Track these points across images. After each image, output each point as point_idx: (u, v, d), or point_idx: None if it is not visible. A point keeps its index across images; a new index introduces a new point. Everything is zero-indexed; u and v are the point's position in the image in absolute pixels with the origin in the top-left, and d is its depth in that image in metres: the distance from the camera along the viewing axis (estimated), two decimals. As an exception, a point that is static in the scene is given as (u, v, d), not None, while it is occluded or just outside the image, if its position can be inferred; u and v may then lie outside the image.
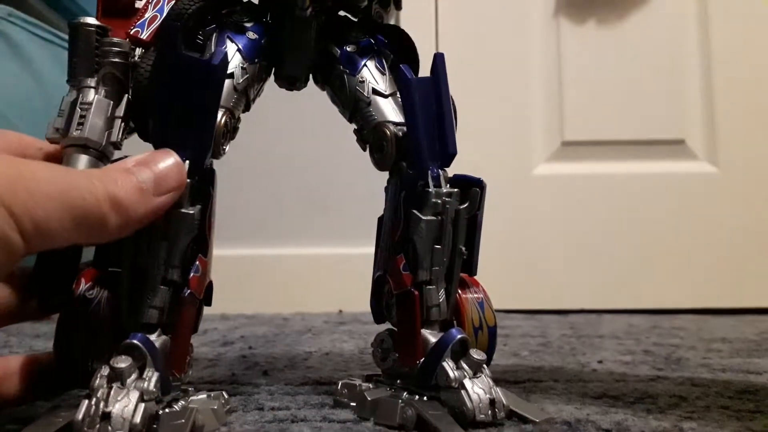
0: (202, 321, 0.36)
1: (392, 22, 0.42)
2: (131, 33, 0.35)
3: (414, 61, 0.40)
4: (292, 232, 1.08)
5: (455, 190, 0.36)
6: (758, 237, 1.07)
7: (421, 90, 0.36)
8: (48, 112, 0.34)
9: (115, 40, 0.34)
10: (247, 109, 0.38)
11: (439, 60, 0.36)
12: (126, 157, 0.32)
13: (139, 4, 0.37)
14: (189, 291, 0.32)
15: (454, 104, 0.38)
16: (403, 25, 0.99)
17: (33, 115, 0.81)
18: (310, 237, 1.08)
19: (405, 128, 0.36)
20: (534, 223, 1.08)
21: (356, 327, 0.78)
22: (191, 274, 0.32)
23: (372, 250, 0.40)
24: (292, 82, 0.41)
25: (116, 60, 0.34)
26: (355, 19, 0.41)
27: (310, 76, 0.41)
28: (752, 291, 1.05)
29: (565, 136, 1.11)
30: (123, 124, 0.34)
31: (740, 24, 1.11)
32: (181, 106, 0.32)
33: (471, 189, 0.37)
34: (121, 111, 0.34)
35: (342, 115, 0.41)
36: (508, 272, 1.03)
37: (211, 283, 0.35)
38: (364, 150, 0.39)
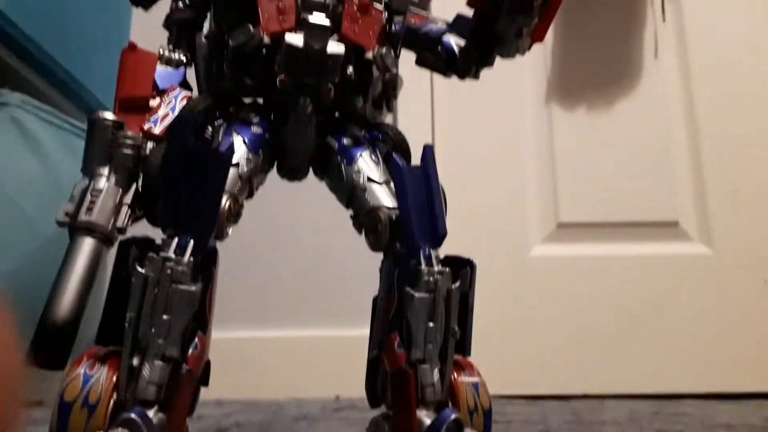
0: (197, 406, 0.36)
1: (389, 120, 0.45)
2: (145, 128, 0.38)
3: (406, 155, 0.43)
4: (289, 314, 1.08)
5: (446, 269, 0.37)
6: (756, 319, 1.06)
7: (412, 176, 0.38)
8: (56, 196, 0.36)
9: (129, 133, 0.37)
10: (250, 195, 0.40)
11: (428, 151, 0.39)
12: (132, 238, 0.34)
13: (153, 103, 0.40)
14: (187, 368, 0.33)
15: (443, 191, 0.40)
16: (401, 114, 1.04)
17: (41, 200, 0.83)
18: (306, 319, 1.07)
19: (398, 212, 0.38)
20: (532, 305, 1.08)
21: (353, 414, 0.77)
22: (190, 351, 0.33)
23: (368, 332, 0.41)
24: (293, 173, 0.43)
25: (128, 152, 0.36)
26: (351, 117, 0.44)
27: (310, 167, 0.44)
28: (755, 375, 1.03)
29: (560, 217, 1.13)
30: (129, 210, 0.36)
31: (725, 108, 1.16)
32: (188, 190, 0.34)
33: (462, 269, 0.38)
34: (128, 198, 0.36)
35: (339, 202, 0.42)
36: (507, 356, 1.02)
37: (208, 362, 0.35)
38: (360, 233, 0.41)
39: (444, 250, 0.38)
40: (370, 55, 0.40)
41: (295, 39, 0.38)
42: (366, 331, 0.41)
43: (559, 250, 1.12)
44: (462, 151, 1.12)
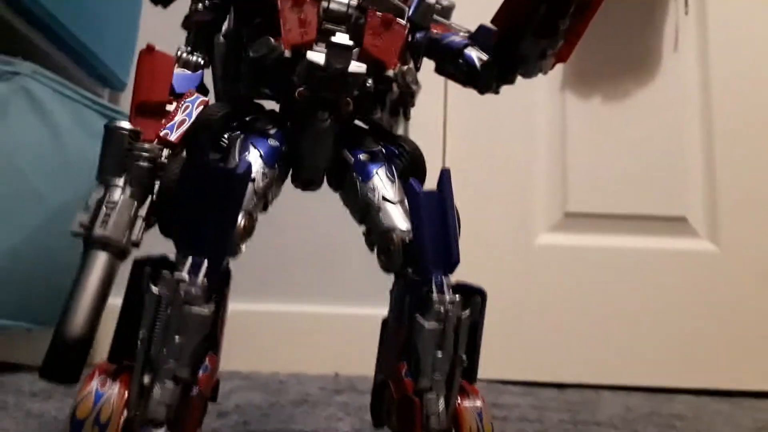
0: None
1: (401, 130, 0.45)
2: (161, 135, 0.38)
3: (422, 172, 0.42)
4: (292, 289, 1.09)
5: (458, 297, 0.37)
6: (758, 318, 1.07)
7: (428, 201, 0.38)
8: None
9: (146, 145, 0.36)
10: (264, 209, 0.40)
11: (445, 176, 0.38)
12: (147, 257, 0.34)
13: (169, 107, 0.39)
14: (198, 390, 0.33)
15: (458, 214, 0.40)
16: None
17: (49, 171, 0.83)
18: (309, 295, 1.08)
19: (411, 235, 0.38)
20: (534, 293, 1.09)
21: (352, 398, 0.78)
22: (201, 373, 0.33)
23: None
24: (307, 184, 0.43)
25: (145, 164, 0.36)
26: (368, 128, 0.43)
27: (324, 179, 0.43)
28: (752, 373, 1.04)
29: (567, 207, 1.12)
30: (144, 223, 0.36)
31: (742, 106, 1.14)
32: (204, 210, 0.34)
33: (473, 297, 0.38)
34: (143, 211, 0.36)
35: (352, 217, 0.42)
36: (506, 341, 1.03)
37: (218, 380, 0.36)
38: (372, 251, 0.41)
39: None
40: (390, 73, 0.40)
41: (317, 57, 0.37)
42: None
43: (564, 239, 1.12)
44: (472, 133, 1.11)
